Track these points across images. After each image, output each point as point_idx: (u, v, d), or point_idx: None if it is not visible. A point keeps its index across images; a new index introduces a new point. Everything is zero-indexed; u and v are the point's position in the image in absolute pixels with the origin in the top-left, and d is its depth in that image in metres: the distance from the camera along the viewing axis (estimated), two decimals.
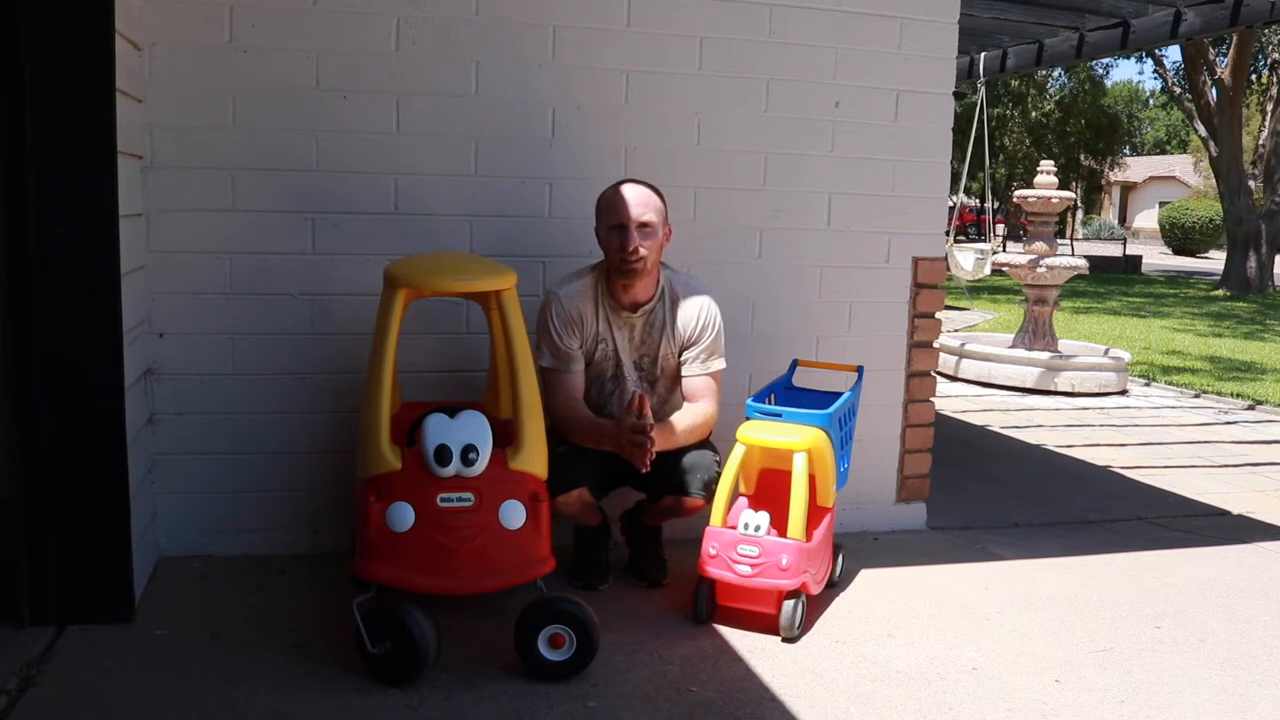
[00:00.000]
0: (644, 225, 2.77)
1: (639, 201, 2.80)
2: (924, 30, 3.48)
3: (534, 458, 2.47)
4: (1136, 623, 2.94)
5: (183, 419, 3.03)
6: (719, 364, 2.95)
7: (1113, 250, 27.34)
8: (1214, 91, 17.62)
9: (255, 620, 2.67)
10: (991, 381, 7.34)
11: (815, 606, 2.89)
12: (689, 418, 2.87)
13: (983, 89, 8.51)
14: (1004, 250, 8.99)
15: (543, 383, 2.83)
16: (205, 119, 2.95)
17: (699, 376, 2.93)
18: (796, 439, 2.79)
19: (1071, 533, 3.81)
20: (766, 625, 2.73)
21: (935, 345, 3.69)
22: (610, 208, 2.81)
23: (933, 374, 3.71)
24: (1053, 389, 7.12)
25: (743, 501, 3.06)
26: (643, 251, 2.76)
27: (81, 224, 2.48)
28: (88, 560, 2.56)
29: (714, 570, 2.73)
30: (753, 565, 2.69)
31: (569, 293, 2.87)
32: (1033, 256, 7.54)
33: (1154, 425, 6.18)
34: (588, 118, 3.22)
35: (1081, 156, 31.66)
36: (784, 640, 2.69)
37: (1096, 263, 16.91)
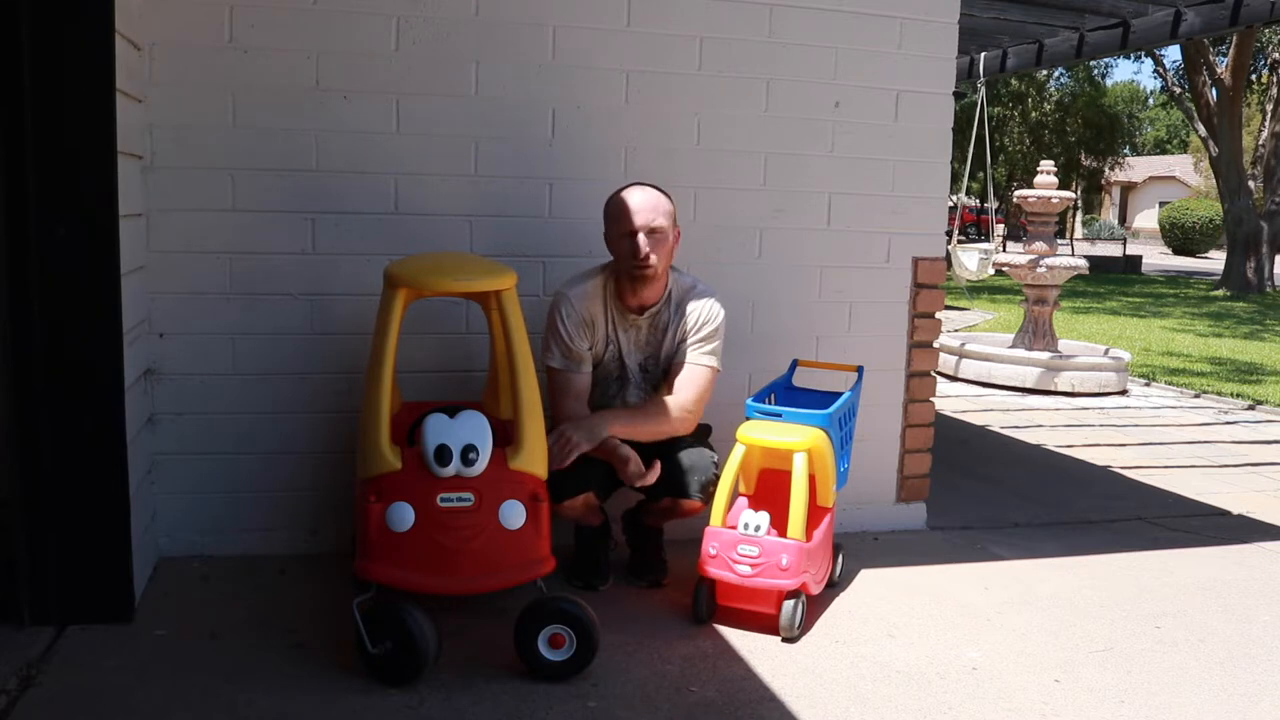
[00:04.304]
0: (654, 231, 2.76)
1: (649, 207, 2.79)
2: (924, 30, 3.48)
3: (534, 458, 2.47)
4: (1136, 623, 2.95)
5: (183, 419, 3.03)
6: (710, 360, 2.91)
7: (1113, 250, 27.35)
8: (1214, 91, 17.62)
9: (255, 620, 2.67)
10: (991, 381, 7.34)
11: (815, 606, 2.89)
12: (666, 407, 2.84)
13: (983, 89, 8.51)
14: (1004, 250, 8.99)
15: (549, 383, 2.83)
16: (205, 119, 2.95)
17: (686, 365, 2.90)
18: (796, 439, 2.79)
19: (1071, 533, 3.81)
20: (766, 625, 2.73)
21: (935, 345, 3.69)
22: (620, 214, 2.80)
23: (933, 374, 3.71)
24: (1053, 389, 7.12)
25: (743, 501, 3.06)
26: (654, 259, 2.76)
27: (81, 224, 2.48)
28: (88, 560, 2.56)
29: (714, 570, 2.73)
30: (753, 565, 2.69)
31: (579, 294, 2.87)
32: (1033, 256, 7.54)
33: (1154, 425, 6.18)
34: (588, 118, 3.22)
35: (1081, 156, 31.67)
36: (784, 640, 2.69)
37: (1096, 263, 16.92)
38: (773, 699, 2.39)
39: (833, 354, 3.45)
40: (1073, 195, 8.56)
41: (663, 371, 2.97)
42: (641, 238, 2.75)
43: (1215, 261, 26.03)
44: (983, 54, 7.88)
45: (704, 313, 2.92)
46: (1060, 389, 7.11)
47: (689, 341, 2.92)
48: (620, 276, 2.86)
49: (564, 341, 2.84)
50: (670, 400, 2.88)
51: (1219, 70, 17.59)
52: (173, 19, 2.89)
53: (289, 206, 3.03)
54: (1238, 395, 7.34)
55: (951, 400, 6.67)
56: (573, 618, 2.38)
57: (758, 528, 2.73)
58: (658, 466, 2.73)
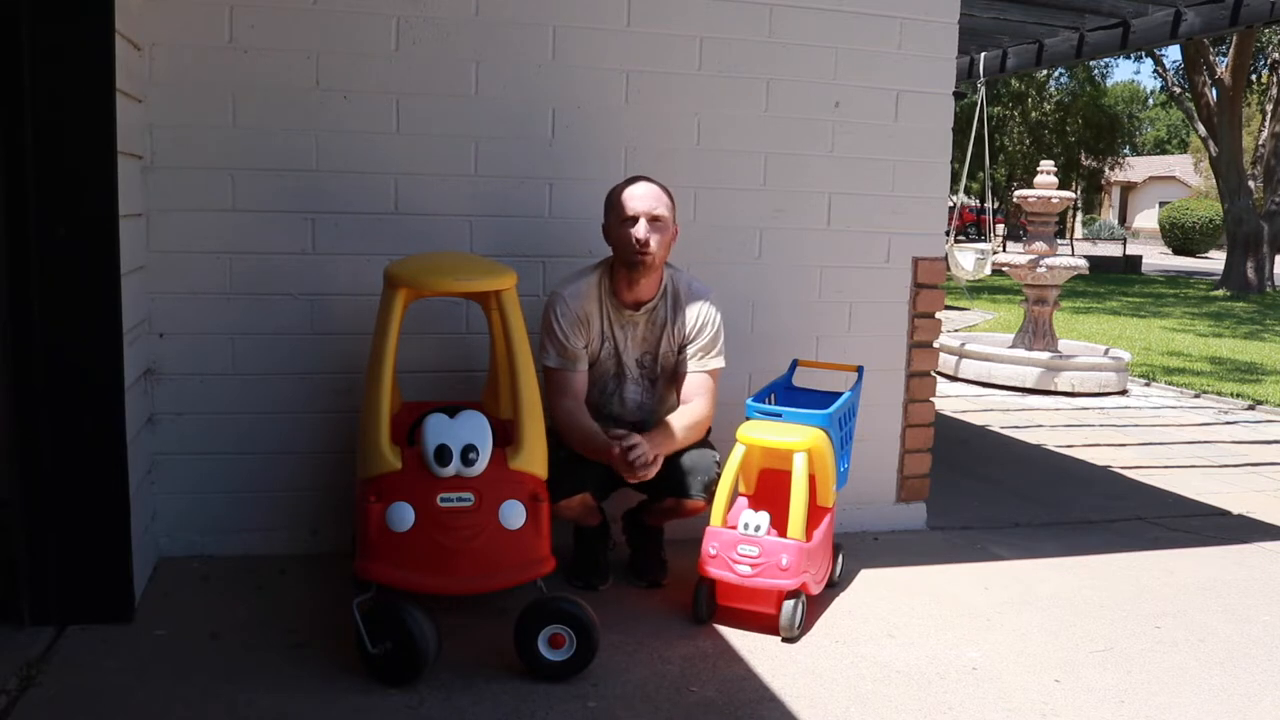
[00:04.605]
0: (656, 219, 2.79)
1: (652, 195, 2.82)
2: (924, 30, 3.48)
3: (534, 458, 2.47)
4: (1136, 623, 2.95)
5: (183, 419, 3.03)
6: (717, 363, 2.95)
7: (1113, 250, 27.35)
8: (1214, 91, 17.62)
9: (255, 620, 2.67)
10: (991, 381, 7.34)
11: (815, 606, 2.89)
12: (684, 418, 2.87)
13: (983, 89, 8.52)
14: (1004, 250, 8.99)
15: (546, 383, 2.83)
16: (205, 119, 2.95)
17: (695, 374, 2.94)
18: (796, 439, 2.79)
19: (1071, 533, 3.81)
20: (766, 625, 2.73)
21: (935, 345, 3.69)
22: (622, 202, 2.83)
23: (933, 374, 3.71)
24: (1053, 389, 7.12)
25: (743, 501, 3.06)
26: (653, 245, 2.77)
27: (81, 224, 2.48)
28: (88, 560, 2.56)
29: (714, 570, 2.73)
30: (753, 565, 2.69)
31: (573, 292, 2.87)
32: (1033, 256, 7.54)
33: (1154, 425, 6.18)
34: (588, 118, 3.22)
35: (1081, 156, 31.67)
36: (784, 640, 2.69)
37: (1096, 263, 16.92)
38: (773, 699, 2.39)
39: (833, 354, 3.45)
40: (1073, 195, 8.57)
41: (660, 368, 2.98)
42: (643, 223, 2.77)
43: (1215, 261, 26.03)
44: (983, 54, 7.88)
45: (703, 316, 2.92)
46: (1060, 389, 7.11)
47: (693, 348, 2.93)
48: (616, 270, 2.87)
49: (559, 340, 2.84)
50: (691, 409, 2.90)
51: (1219, 70, 17.59)
52: (173, 19, 2.89)
53: (289, 206, 3.03)
54: (1238, 395, 7.34)
55: (951, 400, 6.67)
56: (573, 618, 2.38)
57: (758, 528, 2.73)
58: (658, 461, 2.72)
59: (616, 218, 2.83)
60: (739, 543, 2.71)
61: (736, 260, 3.41)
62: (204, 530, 3.08)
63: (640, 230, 2.77)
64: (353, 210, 3.08)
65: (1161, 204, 38.07)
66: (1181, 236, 32.41)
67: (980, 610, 2.99)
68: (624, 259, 2.82)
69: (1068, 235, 29.91)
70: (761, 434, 2.85)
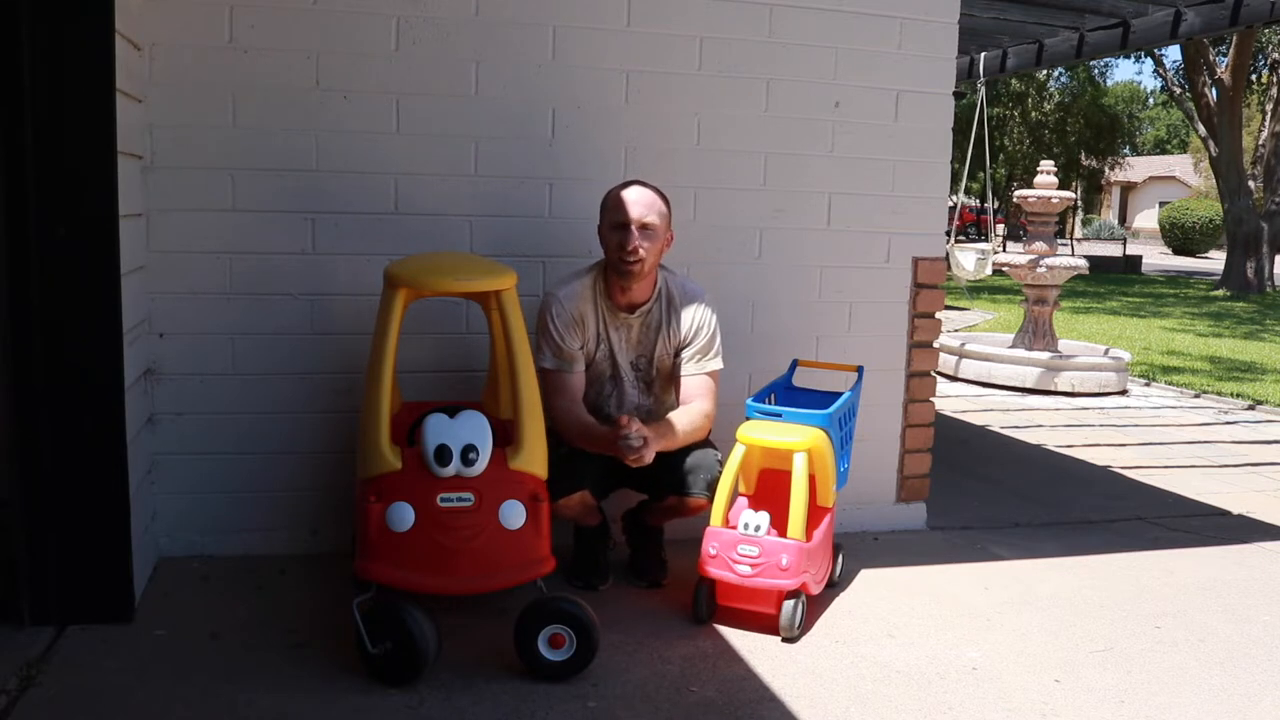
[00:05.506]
0: (645, 227, 2.79)
1: (644, 203, 2.81)
2: (924, 30, 3.48)
3: (534, 458, 2.47)
4: (1136, 623, 2.95)
5: (183, 419, 3.03)
6: (715, 364, 2.95)
7: (1113, 250, 27.35)
8: (1214, 91, 17.62)
9: (255, 620, 2.67)
10: (991, 381, 7.34)
11: (815, 606, 2.89)
12: (686, 419, 2.87)
13: (983, 89, 8.52)
14: (1004, 250, 8.99)
15: (543, 384, 2.83)
16: (205, 119, 2.95)
17: (695, 376, 2.94)
18: (796, 439, 2.79)
19: (1071, 533, 3.81)
20: (766, 625, 2.73)
21: (935, 345, 3.69)
22: (615, 206, 2.82)
23: (933, 374, 3.71)
24: (1053, 389, 7.12)
25: (743, 501, 3.06)
26: (642, 253, 2.77)
27: (81, 224, 2.48)
28: (88, 560, 2.56)
29: (714, 570, 2.73)
30: (753, 565, 2.69)
31: (568, 294, 2.87)
32: (1033, 256, 7.54)
33: (1154, 425, 6.18)
34: (588, 118, 3.22)
35: (1081, 156, 31.67)
36: (784, 640, 2.69)
37: (1096, 263, 16.90)
38: (773, 699, 2.39)
39: (833, 354, 3.45)
40: (1073, 195, 8.57)
41: (655, 371, 2.98)
42: (633, 231, 2.77)
43: (1215, 261, 26.03)
44: (983, 54, 7.88)
45: (698, 319, 2.93)
46: (1060, 389, 7.11)
47: (689, 351, 2.93)
48: (609, 274, 2.87)
49: (555, 341, 2.85)
50: (692, 410, 2.90)
51: (1219, 70, 17.59)
52: (173, 19, 2.89)
53: (289, 206, 3.03)
54: (1238, 395, 7.34)
55: (951, 400, 6.67)
56: (573, 618, 2.38)
57: (758, 528, 2.73)
58: (650, 446, 2.71)
59: (609, 221, 2.83)
60: (739, 543, 2.71)
61: (736, 260, 3.41)
62: (204, 530, 3.08)
63: (631, 237, 2.77)
64: (353, 210, 3.08)
65: (1161, 204, 38.08)
66: (1181, 236, 32.41)
67: (980, 610, 2.99)
68: (613, 263, 2.82)
69: (1068, 235, 29.92)
70: (761, 434, 2.84)
